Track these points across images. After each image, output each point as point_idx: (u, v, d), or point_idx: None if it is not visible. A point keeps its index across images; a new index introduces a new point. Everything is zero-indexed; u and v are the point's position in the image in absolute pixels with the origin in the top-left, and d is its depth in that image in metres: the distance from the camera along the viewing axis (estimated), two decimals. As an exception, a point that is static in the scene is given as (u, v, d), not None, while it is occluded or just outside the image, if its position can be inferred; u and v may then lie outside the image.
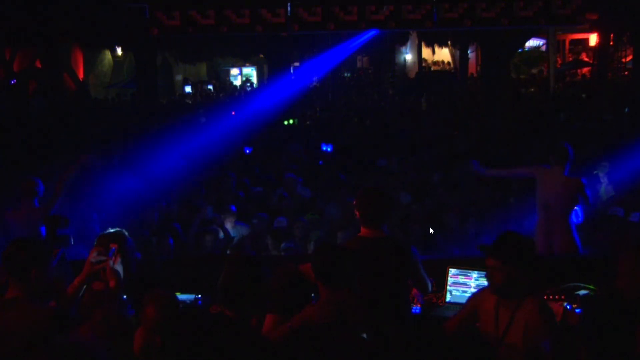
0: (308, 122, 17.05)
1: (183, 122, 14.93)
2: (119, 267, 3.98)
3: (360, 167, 10.44)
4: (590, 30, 23.22)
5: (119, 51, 23.22)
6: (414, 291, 4.78)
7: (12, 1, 13.43)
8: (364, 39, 14.38)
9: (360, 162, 10.86)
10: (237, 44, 20.62)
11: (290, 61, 20.13)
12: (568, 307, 4.45)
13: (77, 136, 13.56)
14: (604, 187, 8.43)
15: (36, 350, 3.19)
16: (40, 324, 3.49)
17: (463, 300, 4.86)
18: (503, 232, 3.72)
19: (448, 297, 4.97)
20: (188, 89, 28.76)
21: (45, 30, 15.05)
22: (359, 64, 31.29)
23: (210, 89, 28.51)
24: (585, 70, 25.30)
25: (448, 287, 4.98)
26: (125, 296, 4.16)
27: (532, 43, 27.24)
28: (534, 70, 27.12)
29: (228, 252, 7.16)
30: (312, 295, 3.92)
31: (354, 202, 4.39)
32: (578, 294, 4.66)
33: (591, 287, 4.71)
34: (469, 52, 24.82)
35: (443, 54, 30.55)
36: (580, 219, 6.54)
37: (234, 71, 32.60)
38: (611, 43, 17.48)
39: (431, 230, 7.32)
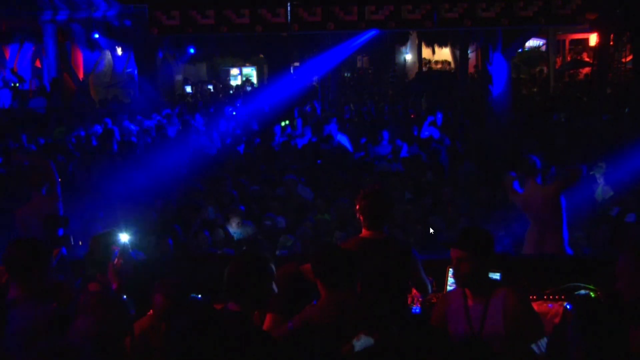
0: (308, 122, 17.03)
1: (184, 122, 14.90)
2: (122, 270, 3.99)
3: (360, 167, 10.44)
4: (590, 30, 23.21)
5: (119, 51, 23.21)
6: (414, 291, 4.79)
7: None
8: (364, 39, 14.40)
9: (360, 161, 10.86)
10: (237, 44, 20.63)
11: (290, 61, 20.12)
12: (568, 307, 4.45)
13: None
14: (601, 187, 8.42)
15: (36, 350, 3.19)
16: (41, 325, 3.50)
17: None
18: (466, 226, 3.81)
19: (448, 297, 4.96)
20: (188, 89, 28.76)
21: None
22: (359, 64, 31.30)
23: (210, 89, 28.52)
24: (586, 70, 25.30)
25: (448, 287, 4.97)
26: (125, 296, 4.16)
27: (532, 43, 27.24)
28: (534, 70, 27.13)
29: (244, 249, 7.10)
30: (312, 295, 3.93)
31: (356, 205, 4.40)
32: (578, 294, 4.66)
33: (591, 287, 4.71)
34: (469, 52, 24.80)
35: (443, 54, 30.56)
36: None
37: (234, 71, 32.60)
38: (611, 43, 17.47)
39: (431, 230, 7.33)
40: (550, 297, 4.63)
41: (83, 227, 6.96)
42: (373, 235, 4.30)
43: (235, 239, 7.48)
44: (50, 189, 6.13)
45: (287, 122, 14.51)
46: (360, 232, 4.40)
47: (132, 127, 13.80)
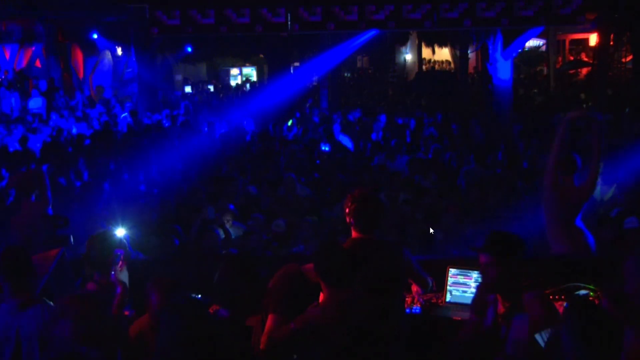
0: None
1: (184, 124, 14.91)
2: (125, 274, 3.97)
3: (359, 167, 10.44)
4: (590, 30, 23.20)
5: (119, 51, 23.19)
6: (414, 290, 4.79)
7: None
8: (364, 39, 14.40)
9: (360, 161, 10.86)
10: (237, 44, 20.62)
11: (290, 61, 20.12)
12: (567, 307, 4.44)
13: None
14: (599, 187, 8.40)
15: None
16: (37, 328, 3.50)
17: (463, 300, 4.87)
18: (493, 230, 3.79)
19: (448, 297, 4.96)
20: (188, 89, 28.75)
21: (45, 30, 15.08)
22: (359, 64, 31.29)
23: (210, 89, 28.51)
24: (586, 70, 25.29)
25: (448, 287, 4.98)
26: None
27: (532, 43, 27.22)
28: (534, 70, 27.11)
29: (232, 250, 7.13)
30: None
31: (346, 209, 4.35)
32: (578, 294, 4.66)
33: (591, 287, 4.71)
34: (469, 52, 24.80)
35: (443, 54, 30.54)
36: None
37: (234, 71, 32.59)
38: (611, 43, 17.46)
39: (431, 230, 7.32)
40: (550, 297, 4.63)
41: (83, 227, 6.95)
42: (364, 238, 4.28)
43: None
44: (40, 194, 6.16)
45: (291, 122, 14.52)
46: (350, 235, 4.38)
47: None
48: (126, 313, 4.22)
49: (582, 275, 4.84)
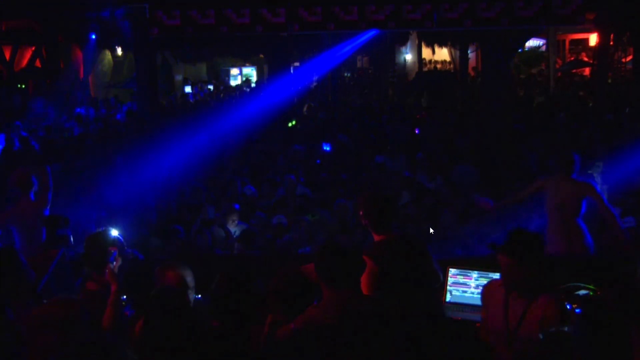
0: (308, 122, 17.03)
1: (184, 122, 14.91)
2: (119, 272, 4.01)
3: (359, 167, 10.44)
4: (590, 30, 23.20)
5: (119, 51, 23.19)
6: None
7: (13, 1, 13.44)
8: (364, 39, 14.39)
9: (360, 161, 10.86)
10: (237, 44, 20.60)
11: (290, 61, 20.11)
12: (568, 307, 4.44)
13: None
14: (599, 187, 8.40)
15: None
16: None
17: (463, 300, 4.88)
18: (514, 229, 3.74)
19: (448, 297, 4.97)
20: (188, 89, 28.74)
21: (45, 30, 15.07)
22: (359, 64, 31.27)
23: (210, 89, 28.49)
24: (586, 70, 25.29)
25: (448, 287, 4.98)
26: (124, 296, 4.16)
27: (532, 43, 27.21)
28: (534, 70, 27.10)
29: (235, 247, 7.11)
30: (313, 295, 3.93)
31: (360, 211, 4.40)
32: (578, 294, 4.65)
33: (591, 287, 4.71)
34: (469, 52, 24.80)
35: (443, 54, 30.52)
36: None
37: (234, 71, 32.56)
38: (611, 43, 17.46)
39: (431, 230, 7.32)
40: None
41: (83, 227, 6.96)
42: (388, 238, 4.34)
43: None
44: (40, 194, 6.14)
45: (294, 122, 14.51)
46: (363, 236, 4.44)
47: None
48: (126, 313, 4.23)
49: (582, 275, 4.84)
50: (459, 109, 17.27)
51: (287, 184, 8.90)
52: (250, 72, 32.25)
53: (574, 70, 25.93)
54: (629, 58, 21.43)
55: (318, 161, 10.95)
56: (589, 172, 8.49)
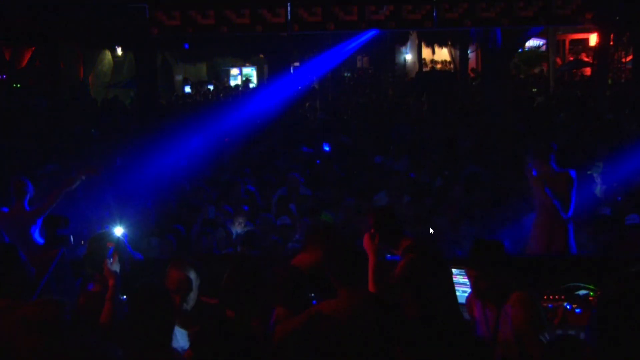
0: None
1: (184, 122, 14.91)
2: (116, 267, 4.01)
3: (359, 167, 10.44)
4: (590, 30, 23.21)
5: (119, 51, 23.21)
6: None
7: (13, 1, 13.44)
8: (364, 39, 14.36)
9: (360, 161, 10.85)
10: (237, 44, 20.61)
11: (290, 61, 20.11)
12: (568, 307, 4.45)
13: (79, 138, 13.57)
14: (599, 187, 8.40)
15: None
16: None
17: (463, 301, 4.87)
18: (475, 241, 3.96)
19: (448, 297, 4.96)
20: (188, 89, 28.76)
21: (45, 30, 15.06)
22: (359, 64, 31.29)
23: (210, 89, 28.52)
24: (586, 70, 25.31)
25: (448, 287, 4.97)
26: (125, 297, 4.16)
27: (532, 43, 27.23)
28: (534, 70, 27.12)
29: (239, 248, 7.11)
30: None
31: (371, 229, 4.39)
32: (578, 294, 4.66)
33: (591, 287, 4.71)
34: (469, 52, 24.81)
35: (443, 54, 30.54)
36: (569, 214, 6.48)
37: (234, 71, 32.59)
38: (611, 43, 17.46)
39: (431, 231, 7.32)
40: (550, 297, 4.63)
41: (84, 227, 6.96)
42: (413, 242, 4.41)
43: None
44: (37, 206, 6.18)
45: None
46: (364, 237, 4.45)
47: None
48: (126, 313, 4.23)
49: (582, 275, 4.85)
50: (459, 109, 17.27)
51: (291, 181, 8.82)
52: (250, 72, 32.27)
53: (574, 70, 25.95)
54: (629, 58, 21.43)
55: (318, 161, 10.95)
56: (589, 172, 8.49)
